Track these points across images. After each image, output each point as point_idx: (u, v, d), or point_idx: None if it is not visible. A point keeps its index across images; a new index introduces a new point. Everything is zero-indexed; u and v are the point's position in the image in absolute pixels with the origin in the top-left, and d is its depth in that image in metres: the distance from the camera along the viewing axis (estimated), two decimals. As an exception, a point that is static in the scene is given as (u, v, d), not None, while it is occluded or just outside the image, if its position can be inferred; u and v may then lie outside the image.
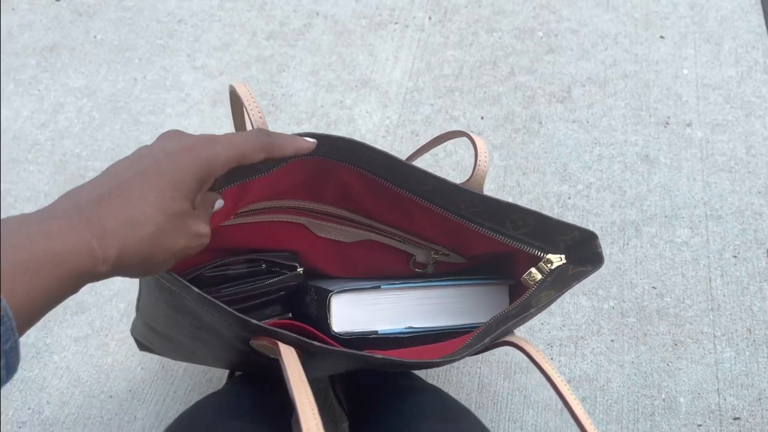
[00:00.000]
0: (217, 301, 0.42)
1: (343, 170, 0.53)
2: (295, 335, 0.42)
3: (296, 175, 0.53)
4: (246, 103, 0.46)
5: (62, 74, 1.11)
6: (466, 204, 0.51)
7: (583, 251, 0.48)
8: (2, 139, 1.04)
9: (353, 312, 0.54)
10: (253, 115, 0.47)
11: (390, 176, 0.52)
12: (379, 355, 0.45)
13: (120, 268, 0.33)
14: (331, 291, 0.53)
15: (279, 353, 0.40)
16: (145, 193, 0.34)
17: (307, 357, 0.44)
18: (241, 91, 0.47)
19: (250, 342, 0.45)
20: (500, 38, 1.17)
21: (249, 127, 0.48)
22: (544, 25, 1.18)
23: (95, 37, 1.17)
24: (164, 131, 0.40)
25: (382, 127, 1.05)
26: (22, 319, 0.27)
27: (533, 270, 0.50)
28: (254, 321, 0.42)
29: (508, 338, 0.51)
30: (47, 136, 1.04)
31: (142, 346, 0.68)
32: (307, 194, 0.57)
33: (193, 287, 0.42)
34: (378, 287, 0.54)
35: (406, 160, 0.66)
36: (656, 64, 1.12)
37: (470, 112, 1.07)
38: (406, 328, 0.56)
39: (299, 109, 1.07)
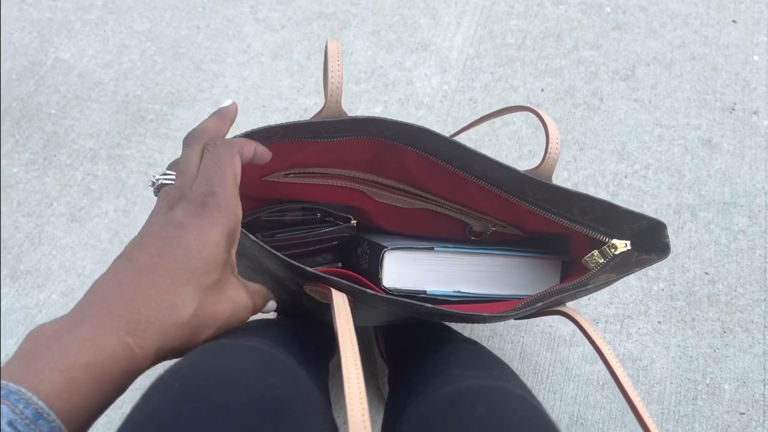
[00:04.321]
0: (274, 251, 0.42)
1: (406, 152, 0.52)
2: (348, 284, 0.42)
3: (357, 152, 0.53)
4: (330, 64, 0.45)
5: (128, 17, 1.13)
6: (533, 191, 0.51)
7: (650, 239, 0.48)
8: (68, 76, 1.06)
9: (405, 270, 0.54)
10: (332, 78, 0.45)
11: (455, 161, 0.52)
12: (428, 304, 0.45)
13: (163, 358, 0.32)
14: (386, 247, 0.53)
15: (331, 300, 0.40)
16: (176, 273, 0.32)
17: (357, 304, 0.45)
18: (330, 51, 0.46)
19: (304, 287, 0.45)
20: (566, 11, 1.14)
21: (330, 85, 0.46)
22: (612, 0, 1.15)
23: (161, -18, 1.18)
24: (163, 190, 0.37)
25: (440, 91, 1.05)
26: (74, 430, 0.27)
27: (596, 253, 0.50)
28: (309, 269, 0.42)
29: (560, 308, 0.51)
30: (111, 76, 1.06)
31: None
32: (366, 168, 0.57)
33: (250, 235, 0.42)
34: (432, 248, 0.54)
35: (464, 128, 0.65)
36: (726, 48, 1.09)
37: (530, 83, 1.05)
38: (454, 291, 0.56)
39: (358, 68, 1.07)
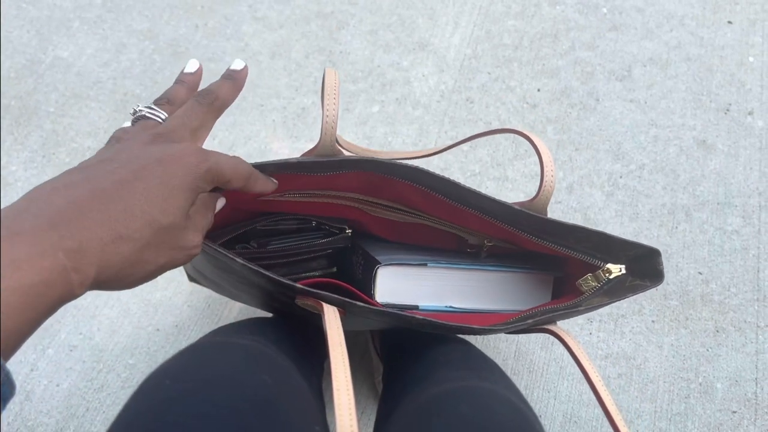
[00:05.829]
0: (262, 270, 0.43)
1: (400, 184, 0.53)
2: (339, 297, 0.43)
3: (351, 181, 0.54)
4: (326, 99, 0.45)
5: (126, 15, 1.13)
6: (529, 223, 0.51)
7: (644, 265, 0.48)
8: (67, 74, 1.06)
9: (397, 285, 0.55)
10: (327, 114, 0.45)
11: (450, 195, 0.52)
12: (419, 315, 0.46)
13: (96, 287, 0.30)
14: (379, 263, 0.53)
15: (322, 314, 0.41)
16: (130, 204, 0.30)
17: (349, 314, 0.45)
18: (327, 82, 0.46)
19: (295, 300, 0.46)
20: (563, 11, 1.15)
21: (324, 124, 0.46)
22: (609, 1, 1.16)
23: (160, -19, 1.18)
24: (142, 122, 0.37)
25: (437, 91, 1.05)
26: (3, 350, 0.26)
27: (590, 276, 0.50)
28: (298, 285, 0.43)
29: (550, 326, 0.51)
30: (109, 74, 1.06)
31: (191, 277, 0.71)
32: (361, 192, 0.58)
33: (237, 259, 0.42)
34: (425, 264, 0.55)
35: (457, 143, 0.65)
36: (722, 49, 1.10)
37: (527, 83, 1.06)
38: (446, 306, 0.56)
39: (356, 67, 1.08)
